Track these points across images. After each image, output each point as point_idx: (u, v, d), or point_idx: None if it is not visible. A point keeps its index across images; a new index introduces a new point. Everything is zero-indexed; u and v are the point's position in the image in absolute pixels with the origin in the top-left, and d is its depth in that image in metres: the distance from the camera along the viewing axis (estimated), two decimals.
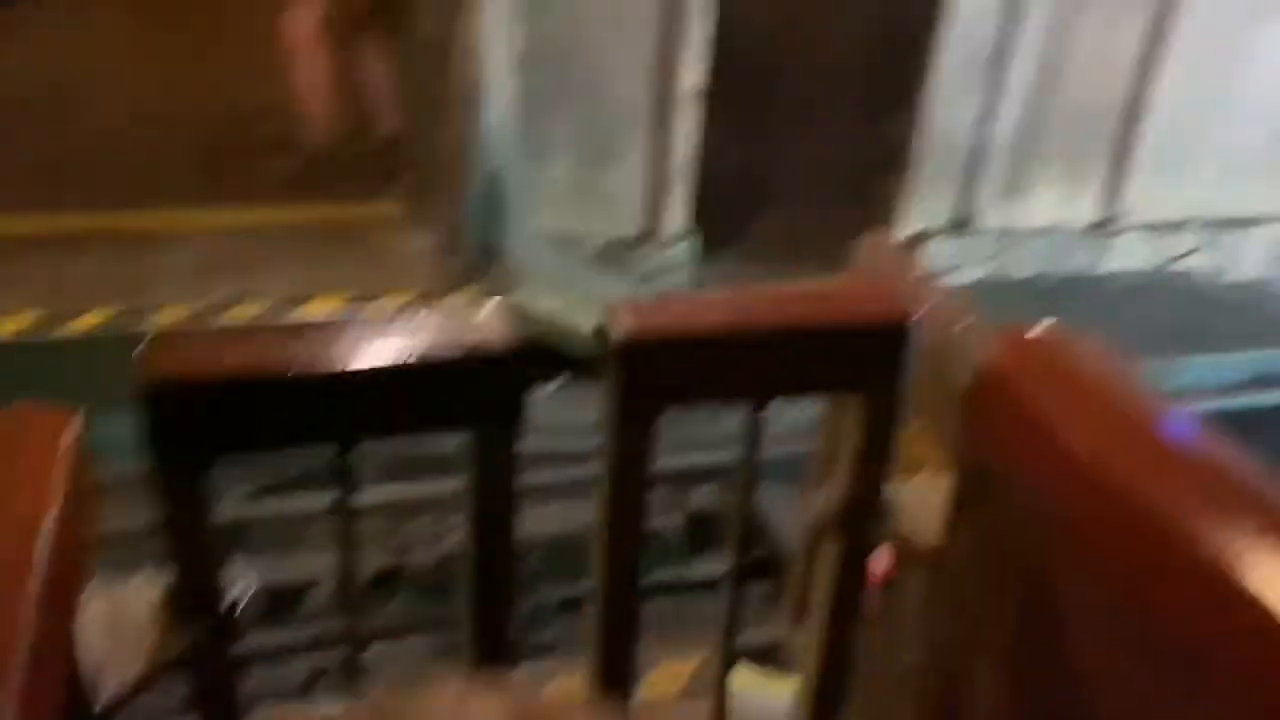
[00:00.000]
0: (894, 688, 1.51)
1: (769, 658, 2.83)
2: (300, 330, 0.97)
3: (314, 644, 3.25)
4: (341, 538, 1.08)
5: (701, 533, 4.12)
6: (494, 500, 1.08)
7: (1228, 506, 0.81)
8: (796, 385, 1.12)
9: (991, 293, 5.73)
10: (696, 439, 4.61)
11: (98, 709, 0.90)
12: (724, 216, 5.85)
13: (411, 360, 0.95)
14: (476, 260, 4.61)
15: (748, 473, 1.19)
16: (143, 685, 0.96)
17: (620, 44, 4.86)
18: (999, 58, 5.26)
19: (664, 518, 4.00)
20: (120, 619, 0.98)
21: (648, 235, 5.25)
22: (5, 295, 3.92)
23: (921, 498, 1.26)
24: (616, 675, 1.28)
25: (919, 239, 5.56)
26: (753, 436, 1.14)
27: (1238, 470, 0.85)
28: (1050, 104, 5.49)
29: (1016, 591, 1.01)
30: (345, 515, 1.06)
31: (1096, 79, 5.49)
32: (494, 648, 1.18)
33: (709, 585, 4.14)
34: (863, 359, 1.09)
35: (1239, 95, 5.74)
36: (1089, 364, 1.04)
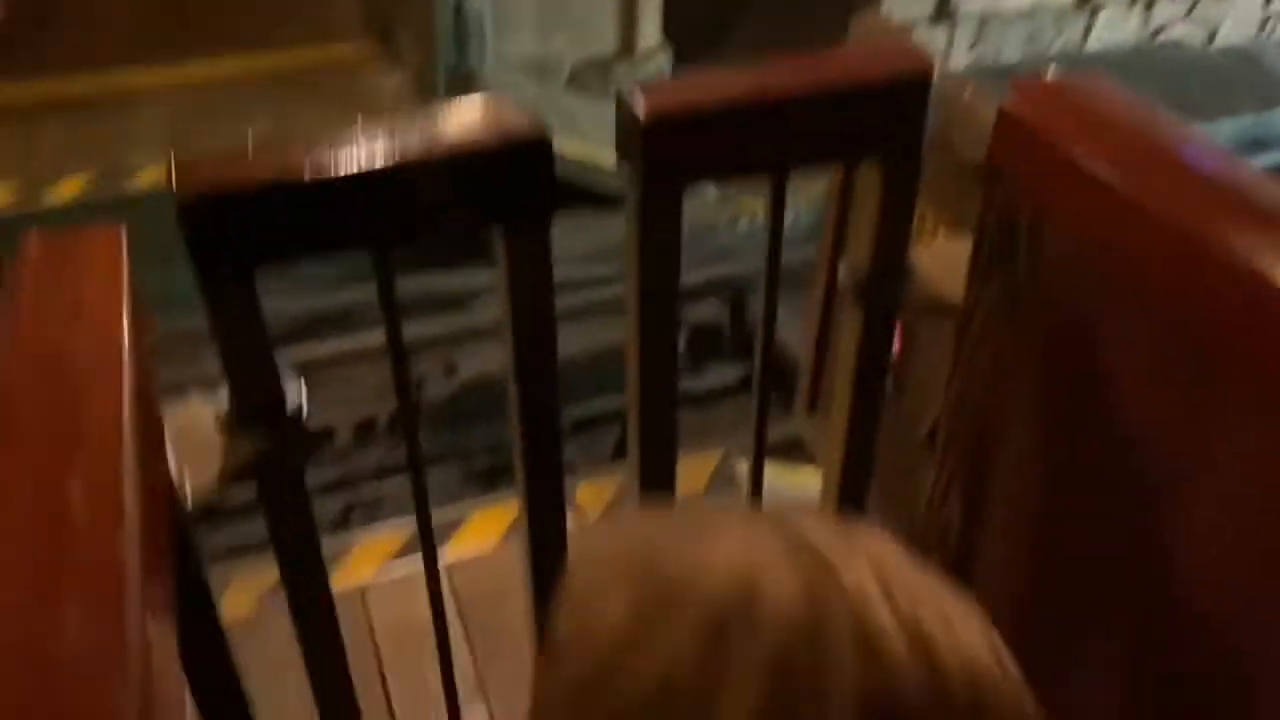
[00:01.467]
0: (914, 458, 1.57)
1: (782, 455, 2.94)
2: (328, 135, 0.96)
3: (340, 482, 3.37)
4: (392, 338, 1.11)
5: (700, 347, 4.19)
6: (530, 296, 1.10)
7: (1260, 218, 0.84)
8: (819, 151, 1.13)
9: (978, 79, 5.63)
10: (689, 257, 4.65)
11: (188, 510, 0.95)
12: (698, 26, 5.68)
13: (439, 151, 0.95)
14: (450, 93, 4.50)
15: (775, 243, 1.21)
16: (218, 491, 1.01)
17: None
18: None
19: None
20: (186, 433, 1.02)
21: (622, 53, 5.11)
22: None
23: (942, 260, 1.29)
24: (660, 476, 1.34)
25: (902, 30, 5.43)
26: (779, 205, 1.15)
27: (1262, 185, 0.87)
28: None
29: (1049, 340, 1.05)
30: (393, 316, 1.09)
31: None
32: (543, 462, 1.22)
33: (715, 395, 4.23)
34: (884, 119, 1.10)
35: None
36: (1108, 102, 1.05)
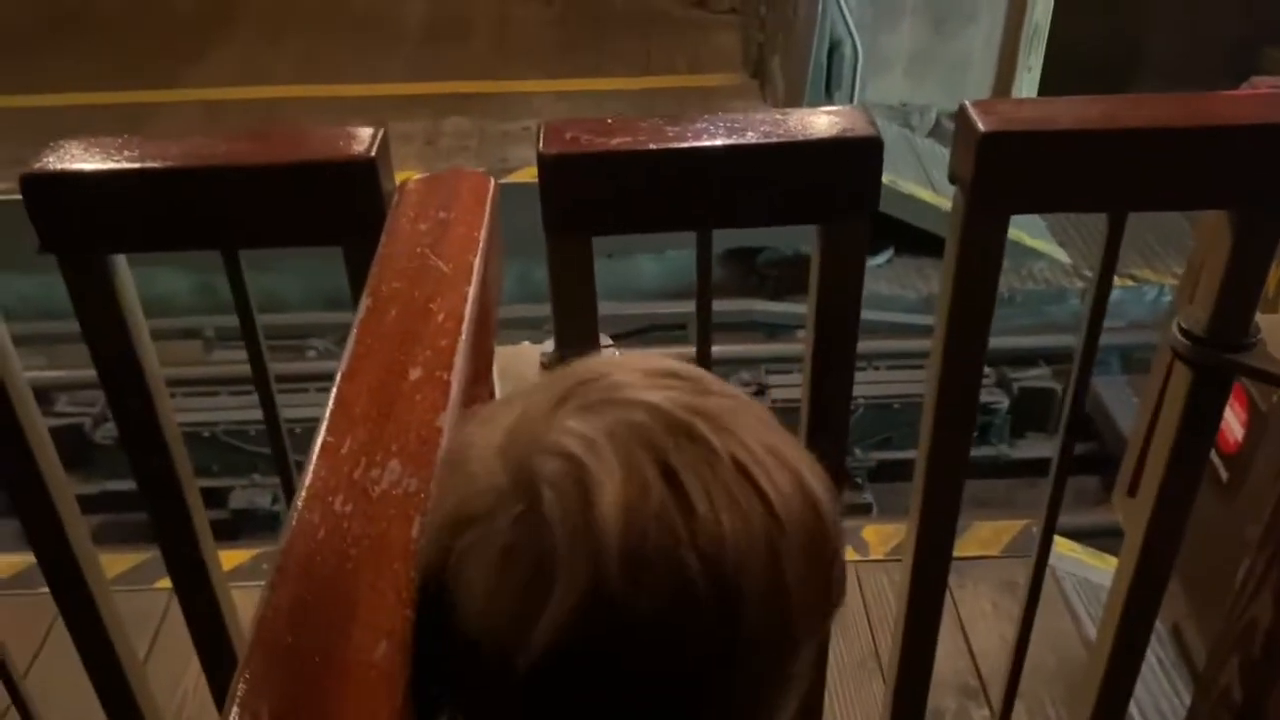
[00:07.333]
0: (1240, 559, 1.42)
1: (1097, 541, 2.74)
2: (673, 119, 1.05)
3: None
4: (700, 331, 1.18)
5: (1025, 415, 3.99)
6: (839, 297, 1.13)
7: None
8: (1164, 192, 1.08)
9: None
10: (1027, 326, 4.46)
11: None
12: (1081, 88, 5.41)
13: (765, 142, 1.01)
14: None
15: (1103, 290, 1.16)
16: None
17: None
18: None
19: (989, 396, 3.92)
20: (511, 366, 1.15)
21: None
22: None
23: None
24: (939, 531, 1.33)
25: None
26: (1114, 248, 1.11)
27: None
28: None
29: None
30: (705, 309, 1.17)
31: None
32: (829, 448, 1.25)
33: (1031, 465, 4.02)
34: (1239, 163, 1.03)
35: None
36: None
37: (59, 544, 1.29)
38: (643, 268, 4.63)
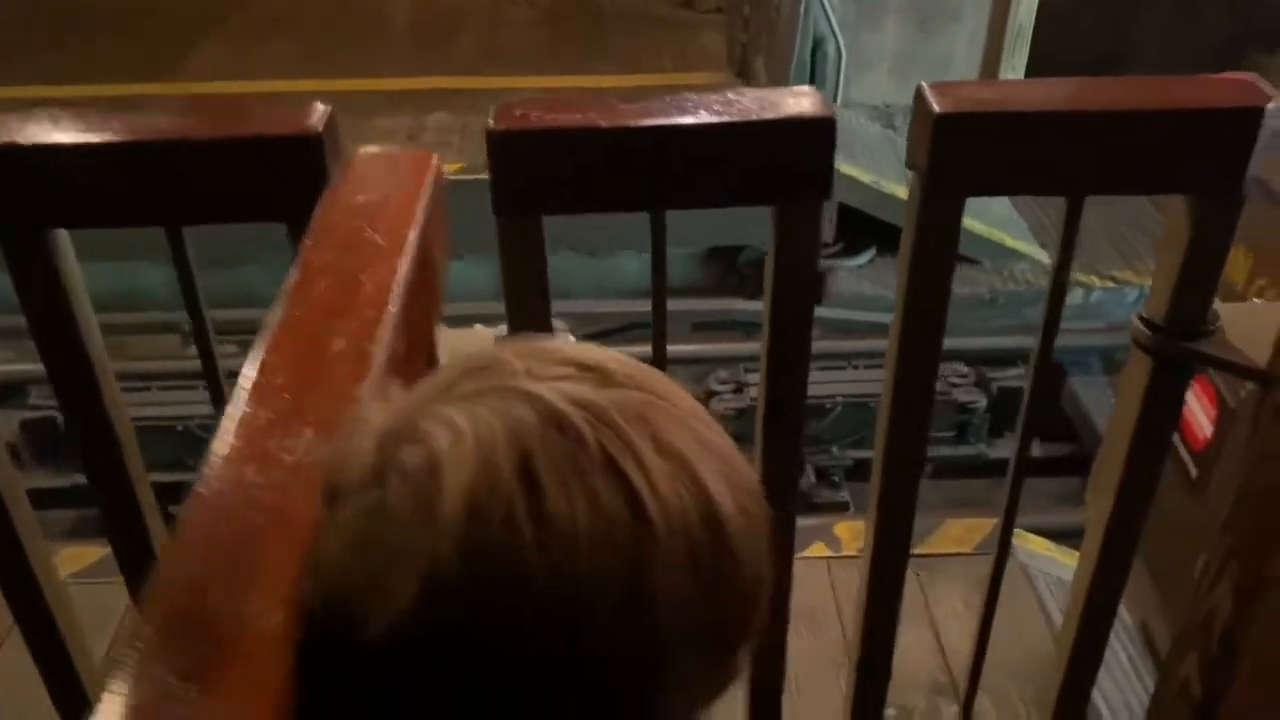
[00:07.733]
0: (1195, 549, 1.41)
1: (1071, 540, 2.73)
2: (625, 97, 1.04)
3: None
4: (656, 290, 1.17)
5: (1003, 415, 3.98)
6: (795, 280, 1.12)
7: None
8: (1122, 176, 1.06)
9: None
10: (1007, 326, 4.45)
11: None
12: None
13: (718, 121, 1.00)
14: None
15: (1060, 277, 1.15)
16: None
17: None
18: None
19: (968, 395, 3.91)
20: (460, 348, 1.13)
21: None
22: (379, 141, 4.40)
23: (1250, 321, 1.17)
24: (898, 523, 1.31)
25: None
26: (1072, 232, 1.10)
27: None
28: None
29: None
30: (660, 291, 1.15)
31: None
32: (781, 444, 1.23)
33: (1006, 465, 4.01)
34: (1201, 149, 1.02)
35: None
36: None
37: (8, 543, 1.26)
38: (625, 266, 4.61)
